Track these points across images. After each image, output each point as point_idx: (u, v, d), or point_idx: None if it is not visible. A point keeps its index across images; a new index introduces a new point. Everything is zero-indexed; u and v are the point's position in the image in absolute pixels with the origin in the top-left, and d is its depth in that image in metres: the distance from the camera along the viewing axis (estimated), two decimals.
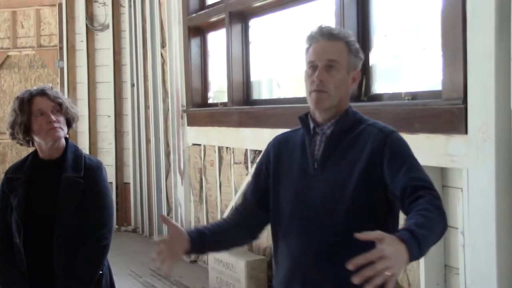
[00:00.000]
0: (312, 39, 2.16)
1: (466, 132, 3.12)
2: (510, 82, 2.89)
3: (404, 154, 2.04)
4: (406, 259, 1.69)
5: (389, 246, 1.65)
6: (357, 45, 2.17)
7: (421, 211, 1.85)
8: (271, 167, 2.23)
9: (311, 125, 2.17)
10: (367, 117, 2.19)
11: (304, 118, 2.20)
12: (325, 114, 2.13)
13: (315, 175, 2.10)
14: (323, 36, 2.13)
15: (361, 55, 2.19)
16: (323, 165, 2.10)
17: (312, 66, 2.12)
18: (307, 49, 2.16)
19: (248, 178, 5.38)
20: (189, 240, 2.11)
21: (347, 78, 2.13)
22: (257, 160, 2.37)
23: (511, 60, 2.88)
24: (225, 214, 5.81)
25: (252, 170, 5.30)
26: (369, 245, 1.94)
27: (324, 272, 2.05)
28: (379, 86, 4.05)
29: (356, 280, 1.61)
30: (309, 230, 2.06)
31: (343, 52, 2.12)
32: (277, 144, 2.28)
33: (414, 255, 1.72)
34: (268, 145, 2.31)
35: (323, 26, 2.17)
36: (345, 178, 2.04)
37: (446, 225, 1.92)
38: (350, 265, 1.64)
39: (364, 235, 1.69)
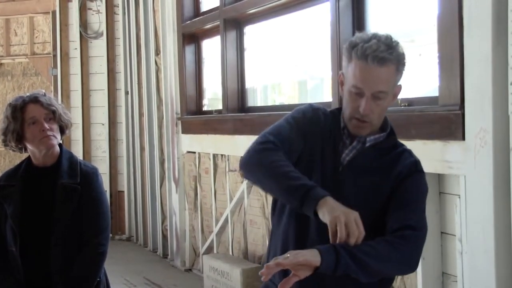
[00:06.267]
0: (362, 56, 1.93)
1: (463, 138, 3.10)
2: (507, 87, 2.88)
3: (420, 194, 2.05)
4: (316, 261, 1.79)
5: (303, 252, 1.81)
6: (405, 59, 2.00)
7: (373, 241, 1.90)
8: (308, 144, 2.07)
9: (342, 125, 2.08)
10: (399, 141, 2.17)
11: (337, 115, 2.10)
12: None
13: (341, 179, 2.03)
14: (374, 62, 1.91)
15: (406, 64, 2.03)
16: (351, 171, 2.03)
17: (358, 92, 1.96)
18: (353, 60, 1.96)
19: (243, 186, 5.35)
20: None
21: (391, 99, 2.04)
22: (301, 115, 2.15)
23: (508, 65, 2.87)
24: (220, 223, 5.78)
25: None
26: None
27: None
28: None
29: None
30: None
31: (392, 76, 1.97)
32: (321, 121, 2.10)
33: (327, 261, 1.79)
34: (314, 112, 2.11)
35: (376, 48, 1.91)
36: (374, 192, 2.01)
37: (402, 258, 1.92)
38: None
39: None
